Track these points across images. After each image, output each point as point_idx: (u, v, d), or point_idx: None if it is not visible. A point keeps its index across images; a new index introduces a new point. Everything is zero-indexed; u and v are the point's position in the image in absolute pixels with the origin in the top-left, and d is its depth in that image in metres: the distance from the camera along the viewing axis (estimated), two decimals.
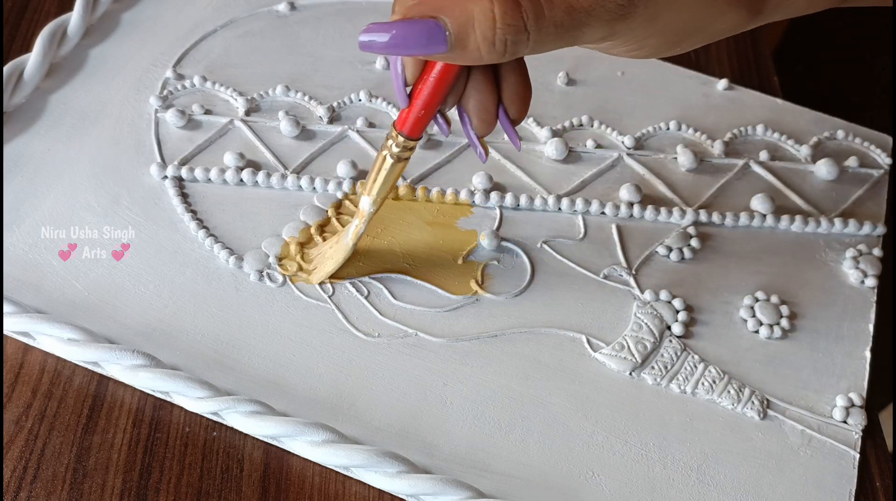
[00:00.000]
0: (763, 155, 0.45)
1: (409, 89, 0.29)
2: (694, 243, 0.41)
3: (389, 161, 0.32)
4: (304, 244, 0.39)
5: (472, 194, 0.41)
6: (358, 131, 0.43)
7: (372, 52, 0.27)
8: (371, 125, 0.44)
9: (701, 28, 0.27)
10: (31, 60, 0.43)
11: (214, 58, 0.46)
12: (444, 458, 0.33)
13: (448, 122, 0.31)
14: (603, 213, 0.41)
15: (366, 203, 0.34)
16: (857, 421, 0.36)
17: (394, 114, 0.44)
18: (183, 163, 0.41)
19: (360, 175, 0.41)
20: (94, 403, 0.33)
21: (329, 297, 0.37)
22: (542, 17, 0.25)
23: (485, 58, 0.25)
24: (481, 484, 0.32)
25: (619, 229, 0.41)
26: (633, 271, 0.40)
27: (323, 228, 0.39)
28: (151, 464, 0.32)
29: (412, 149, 0.32)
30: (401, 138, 0.31)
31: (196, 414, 0.33)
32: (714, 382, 0.36)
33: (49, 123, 0.42)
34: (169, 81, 0.45)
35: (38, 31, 0.44)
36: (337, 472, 0.32)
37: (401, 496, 0.32)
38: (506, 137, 0.31)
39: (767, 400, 0.36)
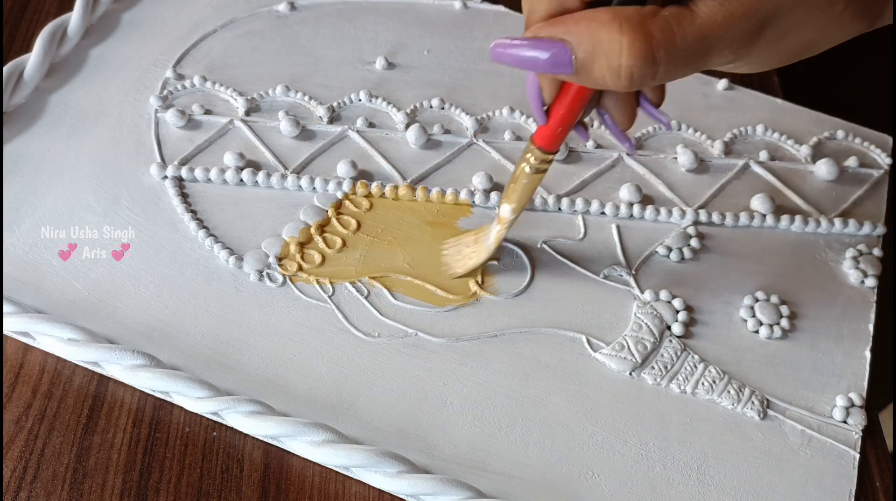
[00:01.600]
0: (763, 155, 0.45)
1: (546, 107, 0.29)
2: (694, 243, 0.41)
3: (528, 172, 0.32)
4: (305, 244, 0.39)
5: (471, 193, 0.41)
6: (358, 131, 0.43)
7: (502, 64, 0.27)
8: (371, 125, 0.44)
9: (823, 43, 0.27)
10: (31, 60, 0.43)
11: (214, 58, 0.46)
12: (444, 458, 0.33)
13: (586, 128, 0.31)
14: (603, 213, 0.41)
15: (506, 211, 0.34)
16: (857, 421, 0.36)
17: (394, 114, 0.44)
18: (183, 163, 0.41)
19: (359, 175, 0.41)
20: (94, 403, 0.33)
21: (329, 297, 0.37)
22: (675, 48, 0.24)
23: (610, 86, 0.25)
24: (481, 484, 0.32)
25: (619, 229, 0.41)
26: (633, 271, 0.40)
27: (323, 228, 0.39)
28: (151, 464, 0.32)
29: (550, 162, 0.32)
30: (539, 152, 0.31)
31: (196, 414, 0.33)
32: (714, 382, 0.36)
33: (49, 123, 0.42)
34: (169, 81, 0.45)
35: (38, 31, 0.44)
36: (337, 472, 0.32)
37: (401, 496, 0.32)
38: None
39: (767, 400, 0.36)
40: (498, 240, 0.36)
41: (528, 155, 0.32)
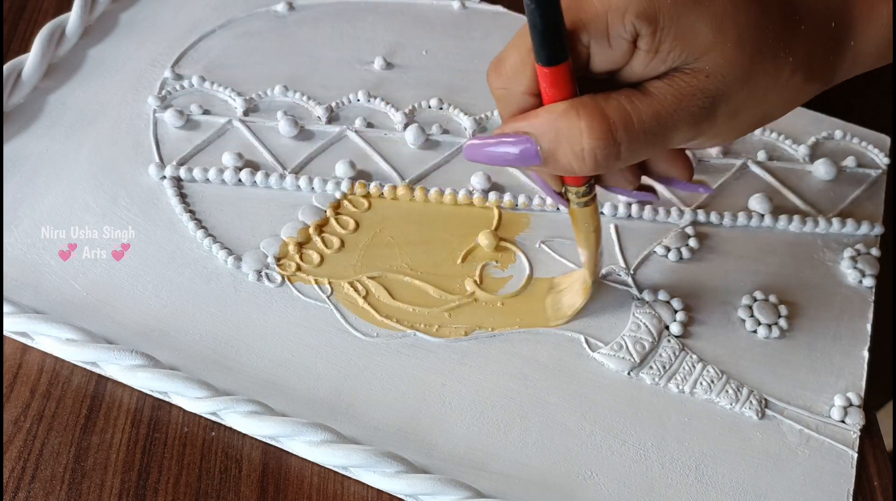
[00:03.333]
0: (761, 155, 0.45)
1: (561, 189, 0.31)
2: (692, 242, 0.41)
3: (577, 208, 0.32)
4: (303, 244, 0.39)
5: (470, 193, 0.41)
6: (356, 131, 0.43)
7: (476, 160, 0.28)
8: (370, 125, 0.44)
9: (781, 109, 0.28)
10: (30, 60, 0.43)
11: (213, 58, 0.46)
12: (443, 458, 0.33)
13: (652, 189, 0.32)
14: (601, 213, 0.41)
15: (584, 256, 0.35)
16: (855, 421, 0.36)
17: (392, 114, 0.44)
18: (181, 163, 0.41)
19: (358, 175, 0.41)
20: (93, 403, 0.33)
21: (327, 297, 0.37)
22: (632, 127, 0.25)
23: (577, 171, 0.26)
24: (480, 484, 0.32)
25: (617, 229, 0.41)
26: (632, 271, 0.40)
27: (321, 228, 0.39)
28: (150, 464, 0.32)
29: (590, 194, 0.31)
30: (573, 188, 0.31)
31: (194, 414, 0.33)
32: (712, 381, 0.36)
33: (47, 123, 0.42)
34: (167, 81, 0.45)
35: (37, 31, 0.44)
36: (335, 472, 0.32)
37: (399, 496, 0.32)
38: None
39: (766, 400, 0.36)
40: (587, 292, 0.36)
41: (568, 194, 0.31)
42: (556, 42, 0.24)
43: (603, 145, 0.25)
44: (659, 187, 0.33)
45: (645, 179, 0.32)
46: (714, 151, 0.45)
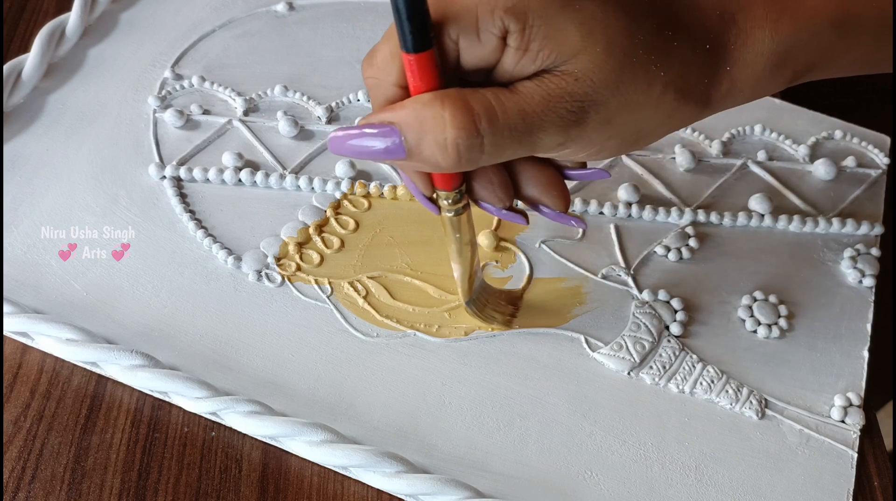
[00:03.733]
0: (761, 155, 0.45)
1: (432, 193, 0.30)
2: (692, 242, 0.41)
3: (448, 217, 0.31)
4: (303, 244, 0.39)
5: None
6: None
7: (340, 154, 0.28)
8: None
9: (656, 127, 0.28)
10: (30, 60, 0.43)
11: (213, 58, 0.46)
12: (443, 458, 0.33)
13: (522, 213, 0.31)
14: (601, 213, 0.41)
15: (456, 272, 0.34)
16: (855, 421, 0.36)
17: None
18: (181, 163, 0.41)
19: (358, 175, 0.41)
20: (93, 403, 0.33)
21: (327, 297, 0.37)
22: (496, 120, 0.25)
23: (441, 164, 0.26)
24: (480, 484, 0.32)
25: (617, 228, 0.41)
26: (632, 271, 0.40)
27: (321, 228, 0.39)
28: (150, 464, 0.32)
29: (460, 201, 0.30)
30: (444, 194, 0.30)
31: (195, 414, 0.33)
32: (712, 381, 0.36)
33: (47, 123, 0.42)
34: (167, 81, 0.45)
35: (37, 31, 0.44)
36: (335, 472, 0.32)
37: (399, 495, 0.32)
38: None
39: (766, 400, 0.36)
40: (465, 292, 0.35)
41: (440, 200, 0.31)
42: (418, 27, 0.24)
43: (465, 135, 0.25)
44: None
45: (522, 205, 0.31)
46: (714, 151, 0.45)
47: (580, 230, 0.41)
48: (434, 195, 0.30)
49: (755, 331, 0.38)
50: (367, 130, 0.26)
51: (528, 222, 0.31)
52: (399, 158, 0.26)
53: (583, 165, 0.31)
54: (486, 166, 0.29)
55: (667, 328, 0.38)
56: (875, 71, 0.32)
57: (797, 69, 0.29)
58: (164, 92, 0.44)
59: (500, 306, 0.37)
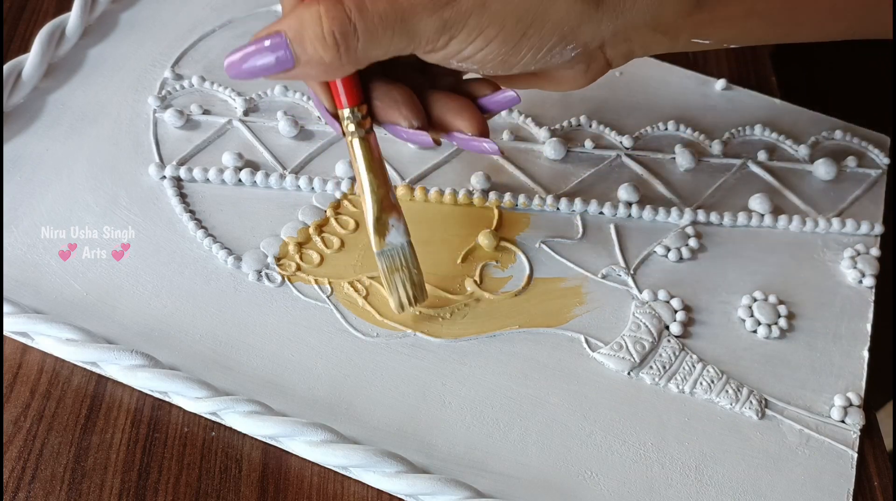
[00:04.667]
0: (761, 155, 0.45)
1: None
2: (692, 242, 0.41)
3: (349, 138, 0.32)
4: (303, 244, 0.39)
5: (470, 193, 0.41)
6: None
7: (239, 78, 0.29)
8: None
9: (538, 14, 0.28)
10: (30, 61, 0.43)
11: (213, 58, 0.46)
12: (443, 458, 0.33)
13: (427, 132, 0.32)
14: (601, 213, 0.41)
15: (367, 194, 0.34)
16: (855, 421, 0.36)
17: None
18: (181, 163, 0.41)
19: None
20: (93, 403, 0.33)
21: (327, 297, 0.37)
22: (365, 8, 0.27)
23: (325, 58, 0.28)
24: (480, 484, 0.32)
25: (617, 228, 0.41)
26: (632, 271, 0.40)
27: (321, 228, 0.39)
28: (150, 464, 0.32)
29: (363, 124, 0.32)
30: (347, 112, 0.32)
31: (195, 414, 0.33)
32: (712, 381, 0.36)
33: (47, 123, 0.42)
34: (167, 81, 0.45)
35: (37, 31, 0.44)
36: (335, 472, 0.32)
37: (399, 495, 0.32)
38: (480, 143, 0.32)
39: (766, 400, 0.36)
40: (374, 237, 0.34)
41: (342, 120, 0.32)
42: None
43: (339, 24, 0.27)
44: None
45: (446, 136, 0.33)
46: (715, 151, 0.45)
47: (580, 230, 0.41)
48: (338, 115, 0.32)
49: (755, 331, 0.38)
50: (257, 46, 0.28)
51: (437, 145, 0.32)
52: (289, 69, 0.28)
53: (496, 91, 0.32)
54: (390, 87, 0.31)
55: (667, 327, 0.38)
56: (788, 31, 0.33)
57: None
58: (164, 92, 0.44)
59: (412, 283, 0.35)
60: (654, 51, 0.32)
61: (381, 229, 0.34)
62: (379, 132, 0.33)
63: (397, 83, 0.32)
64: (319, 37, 0.27)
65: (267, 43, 0.28)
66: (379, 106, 0.32)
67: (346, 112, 0.31)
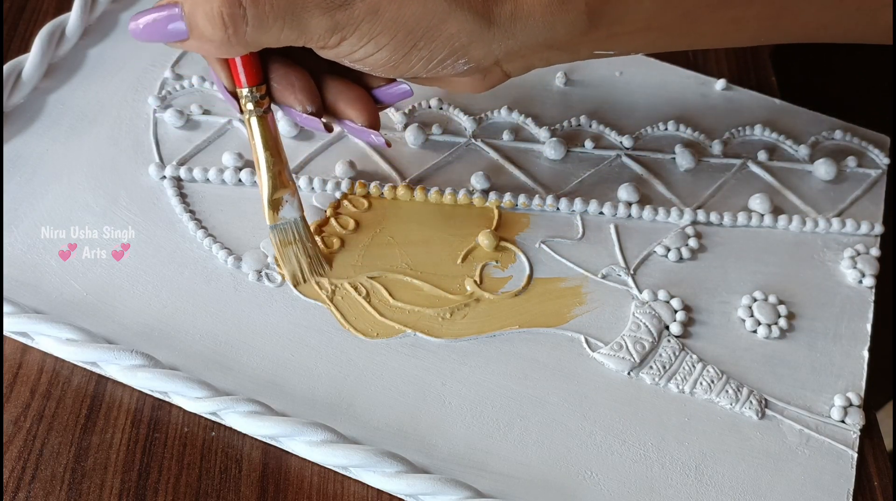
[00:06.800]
0: (761, 155, 0.45)
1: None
2: (692, 242, 0.41)
3: (246, 117, 0.33)
4: None
5: (470, 193, 0.41)
6: None
7: (140, 40, 0.30)
8: None
9: (430, 29, 0.29)
10: (30, 61, 0.43)
11: None
12: (443, 458, 0.33)
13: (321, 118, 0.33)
14: (601, 213, 0.41)
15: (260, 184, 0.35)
16: (855, 421, 0.36)
17: (392, 114, 0.44)
18: (181, 163, 0.41)
19: (358, 175, 0.41)
20: (93, 403, 0.33)
21: (328, 297, 0.37)
22: None
23: (214, 37, 0.28)
24: (480, 484, 0.32)
25: (617, 228, 0.41)
26: (632, 271, 0.40)
27: (321, 228, 0.39)
28: (150, 464, 0.32)
29: (261, 104, 0.33)
30: (245, 91, 0.33)
31: (195, 414, 0.33)
32: (712, 381, 0.36)
33: (47, 123, 0.42)
34: (167, 81, 0.45)
35: (37, 31, 0.44)
36: (335, 472, 0.32)
37: (399, 495, 0.32)
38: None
39: (766, 400, 0.36)
40: (267, 211, 0.35)
41: (240, 99, 0.33)
42: None
43: (228, 7, 0.28)
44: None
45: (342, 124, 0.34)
46: (715, 151, 0.45)
47: (580, 230, 0.41)
48: (237, 93, 0.33)
49: (755, 331, 0.38)
50: (157, 14, 0.29)
51: (329, 131, 0.33)
52: (183, 39, 0.29)
53: (389, 83, 0.33)
54: (289, 70, 0.32)
55: (667, 327, 0.38)
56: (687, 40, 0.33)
57: (590, 3, 0.29)
58: (164, 92, 0.44)
59: (307, 256, 0.37)
60: (556, 63, 0.33)
61: (274, 204, 0.35)
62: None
63: (296, 66, 0.33)
64: (209, 15, 0.28)
65: (165, 13, 0.29)
66: (276, 88, 0.33)
67: (244, 91, 0.33)
